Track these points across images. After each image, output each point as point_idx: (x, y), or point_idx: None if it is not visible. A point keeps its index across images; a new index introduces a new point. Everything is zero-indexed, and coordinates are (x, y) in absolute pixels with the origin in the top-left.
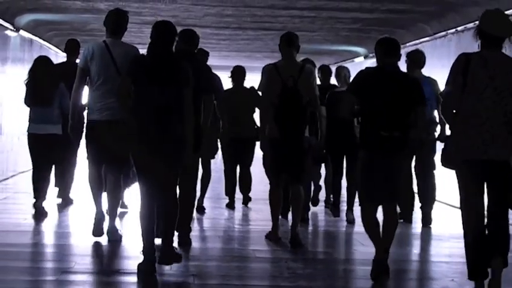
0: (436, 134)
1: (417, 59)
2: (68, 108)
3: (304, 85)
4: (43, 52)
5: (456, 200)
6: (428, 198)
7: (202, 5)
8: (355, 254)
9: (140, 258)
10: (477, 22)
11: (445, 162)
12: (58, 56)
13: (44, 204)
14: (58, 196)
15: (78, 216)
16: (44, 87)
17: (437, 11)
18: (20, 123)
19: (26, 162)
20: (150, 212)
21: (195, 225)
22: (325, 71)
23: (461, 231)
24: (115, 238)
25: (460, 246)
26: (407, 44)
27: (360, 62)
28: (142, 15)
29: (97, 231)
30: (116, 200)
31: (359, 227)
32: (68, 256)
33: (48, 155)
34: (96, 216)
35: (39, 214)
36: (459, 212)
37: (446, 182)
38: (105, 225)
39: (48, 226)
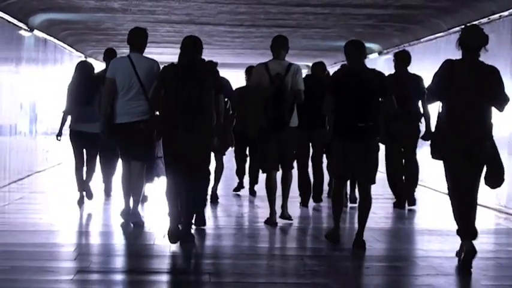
0: (421, 126)
1: (403, 58)
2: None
3: (290, 81)
4: (57, 52)
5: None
6: (412, 180)
7: (215, 2)
8: (370, 251)
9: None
10: (491, 17)
11: (434, 154)
12: (72, 56)
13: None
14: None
15: (95, 216)
16: (86, 89)
17: (451, 6)
18: (34, 123)
19: (41, 162)
20: (175, 192)
21: (210, 224)
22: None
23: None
24: (138, 220)
25: (476, 241)
26: (422, 40)
27: (374, 59)
28: (156, 13)
29: (125, 225)
30: (140, 187)
31: (374, 223)
32: (84, 255)
33: (88, 150)
34: (124, 210)
35: (83, 200)
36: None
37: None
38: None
39: (64, 225)
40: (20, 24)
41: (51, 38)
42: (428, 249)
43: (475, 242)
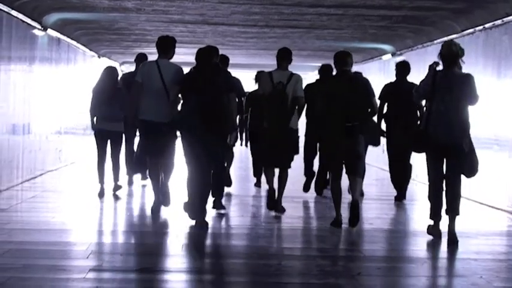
0: None
1: (403, 68)
2: (127, 109)
3: (292, 89)
4: (71, 51)
5: (483, 197)
6: (405, 177)
7: (229, 3)
8: (381, 251)
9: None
10: (505, 19)
11: (415, 149)
12: (86, 55)
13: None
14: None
15: (107, 215)
16: (110, 92)
17: (465, 8)
18: (47, 122)
19: (54, 161)
20: (195, 181)
21: (222, 223)
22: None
23: (488, 229)
24: (166, 199)
25: (488, 243)
26: (435, 41)
27: (388, 60)
28: (169, 13)
29: (155, 212)
30: (170, 172)
31: (384, 224)
32: (97, 254)
33: (112, 147)
34: (154, 202)
35: (104, 193)
36: (486, 209)
37: (477, 181)
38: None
39: (77, 224)
40: (34, 24)
41: (65, 38)
42: (440, 251)
43: (489, 243)
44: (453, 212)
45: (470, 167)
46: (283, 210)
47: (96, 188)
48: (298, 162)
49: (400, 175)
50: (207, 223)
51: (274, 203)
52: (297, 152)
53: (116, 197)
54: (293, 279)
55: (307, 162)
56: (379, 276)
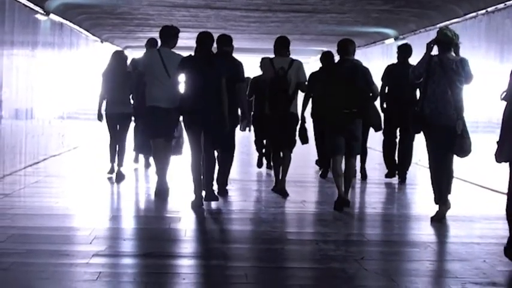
0: None
1: (405, 50)
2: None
3: (294, 74)
4: (73, 36)
5: (486, 181)
6: (404, 161)
7: None
8: (385, 236)
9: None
10: (507, 3)
11: (414, 129)
12: (88, 40)
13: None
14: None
15: (111, 200)
16: (119, 76)
17: None
18: (50, 107)
19: (57, 146)
20: (197, 164)
21: (226, 208)
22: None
23: (491, 213)
24: (165, 187)
25: (491, 227)
26: (438, 25)
27: (391, 44)
28: None
29: (158, 194)
30: (165, 163)
31: (389, 209)
32: (100, 239)
33: (120, 127)
34: (157, 184)
35: (117, 176)
36: (490, 193)
37: (481, 165)
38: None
39: (80, 209)
40: (36, 8)
41: (67, 22)
42: (444, 235)
43: (492, 227)
44: (445, 192)
45: (461, 148)
46: (286, 194)
47: (102, 171)
48: (300, 148)
49: (392, 154)
50: (215, 195)
51: (277, 188)
52: (305, 141)
53: (119, 182)
54: (296, 264)
55: (319, 150)
56: (382, 260)
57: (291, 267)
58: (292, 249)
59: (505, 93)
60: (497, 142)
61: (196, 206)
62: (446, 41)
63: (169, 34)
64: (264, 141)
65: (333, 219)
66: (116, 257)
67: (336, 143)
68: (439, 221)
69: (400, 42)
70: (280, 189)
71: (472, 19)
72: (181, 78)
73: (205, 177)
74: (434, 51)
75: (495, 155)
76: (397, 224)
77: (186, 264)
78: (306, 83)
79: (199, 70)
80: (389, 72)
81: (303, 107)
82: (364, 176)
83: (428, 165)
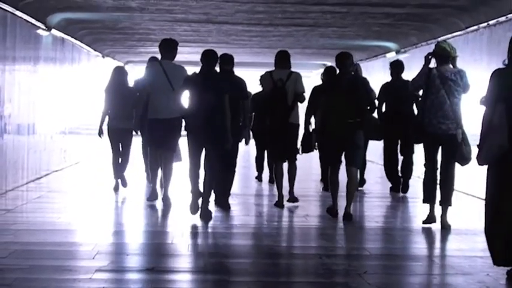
0: None
1: (397, 67)
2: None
3: (292, 85)
4: (75, 51)
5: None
6: (406, 173)
7: (233, 1)
8: (388, 250)
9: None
10: (509, 16)
11: (415, 140)
12: (90, 55)
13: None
14: (115, 177)
15: (113, 215)
16: (121, 92)
17: (469, 5)
18: (52, 122)
19: (59, 161)
20: (195, 175)
21: (228, 222)
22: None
23: None
24: (168, 203)
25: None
26: (439, 39)
27: (392, 58)
28: (173, 12)
29: (151, 197)
30: (171, 173)
31: (393, 223)
32: (103, 254)
33: (123, 142)
34: (151, 191)
35: (118, 187)
36: None
37: (483, 178)
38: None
39: (83, 224)
40: (38, 24)
41: (69, 37)
42: (446, 249)
43: None
44: (446, 202)
45: (462, 156)
46: (296, 200)
47: (104, 186)
48: (302, 162)
49: (395, 168)
50: (210, 212)
51: (288, 198)
52: (308, 150)
53: (121, 197)
54: (300, 278)
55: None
56: (385, 274)
57: (294, 281)
58: (295, 264)
59: (484, 98)
60: (478, 146)
61: (195, 210)
62: (444, 55)
63: (169, 47)
64: (266, 157)
65: (335, 233)
66: (119, 272)
67: (336, 152)
68: (429, 223)
69: (401, 56)
70: (291, 198)
71: (474, 32)
72: (186, 94)
73: (203, 194)
74: (433, 64)
75: (476, 158)
76: (399, 237)
77: (189, 279)
78: (304, 93)
79: (203, 87)
80: (386, 90)
81: (306, 118)
82: (362, 183)
83: (424, 168)
